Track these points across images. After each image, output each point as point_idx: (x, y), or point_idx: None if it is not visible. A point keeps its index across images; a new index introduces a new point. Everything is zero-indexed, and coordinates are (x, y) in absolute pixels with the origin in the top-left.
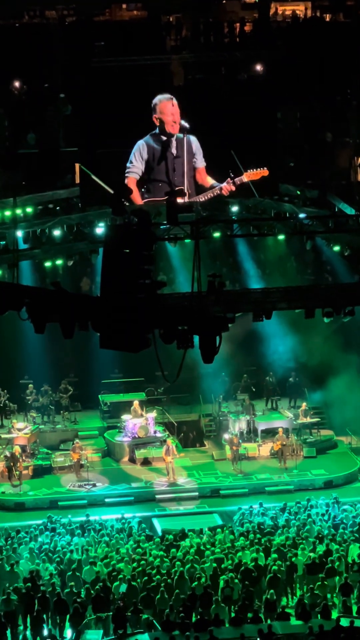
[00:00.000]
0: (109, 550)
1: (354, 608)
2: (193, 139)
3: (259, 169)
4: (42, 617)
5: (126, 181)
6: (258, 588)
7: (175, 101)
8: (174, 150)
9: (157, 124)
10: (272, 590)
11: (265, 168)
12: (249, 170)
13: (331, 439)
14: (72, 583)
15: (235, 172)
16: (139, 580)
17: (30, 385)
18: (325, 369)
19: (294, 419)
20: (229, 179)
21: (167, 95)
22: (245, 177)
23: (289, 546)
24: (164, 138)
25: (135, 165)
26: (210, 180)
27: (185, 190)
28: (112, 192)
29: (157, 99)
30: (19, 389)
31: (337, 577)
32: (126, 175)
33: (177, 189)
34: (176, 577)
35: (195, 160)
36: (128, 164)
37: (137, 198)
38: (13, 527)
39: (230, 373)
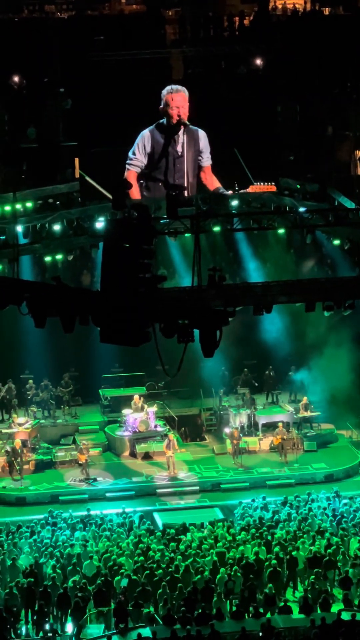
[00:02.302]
0: (110, 544)
1: (356, 601)
2: (201, 135)
3: (266, 184)
4: (43, 612)
5: (126, 174)
6: (259, 582)
7: (185, 93)
8: (178, 148)
9: (164, 116)
10: (270, 585)
11: (273, 184)
12: (255, 184)
13: (332, 433)
14: (74, 578)
15: (238, 171)
16: (140, 574)
17: (30, 380)
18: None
19: (295, 413)
20: (232, 191)
21: (176, 87)
22: (250, 190)
23: (290, 540)
24: (169, 132)
25: (137, 158)
26: (215, 183)
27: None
28: (107, 193)
29: (165, 89)
30: (19, 384)
31: (337, 570)
32: (127, 167)
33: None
34: (181, 571)
35: (200, 158)
36: (130, 155)
37: (135, 194)
38: (14, 521)
39: (231, 367)
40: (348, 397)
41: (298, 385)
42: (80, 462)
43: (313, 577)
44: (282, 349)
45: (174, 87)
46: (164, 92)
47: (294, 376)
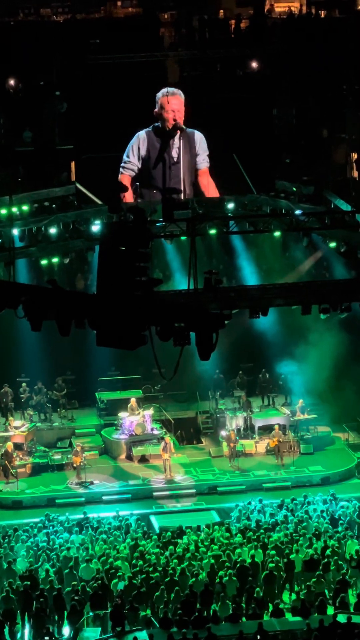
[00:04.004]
0: (106, 547)
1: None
2: (198, 137)
3: None
4: (40, 615)
5: (120, 178)
6: (256, 585)
7: (181, 96)
8: (173, 154)
9: (159, 119)
10: (257, 589)
11: None
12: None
13: (328, 435)
14: (71, 581)
15: (237, 177)
16: (136, 577)
17: (24, 384)
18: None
19: (291, 416)
20: None
21: (172, 90)
22: None
23: (286, 543)
24: (165, 136)
25: (131, 162)
26: (212, 191)
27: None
28: (98, 201)
29: (160, 92)
30: (15, 387)
31: (332, 573)
32: (121, 171)
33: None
34: (177, 574)
35: (197, 161)
36: (124, 157)
37: (129, 199)
38: (10, 525)
39: (225, 370)
40: (330, 390)
41: (283, 380)
42: (74, 465)
43: (314, 579)
44: (276, 350)
45: (170, 89)
46: (159, 94)
47: (279, 370)
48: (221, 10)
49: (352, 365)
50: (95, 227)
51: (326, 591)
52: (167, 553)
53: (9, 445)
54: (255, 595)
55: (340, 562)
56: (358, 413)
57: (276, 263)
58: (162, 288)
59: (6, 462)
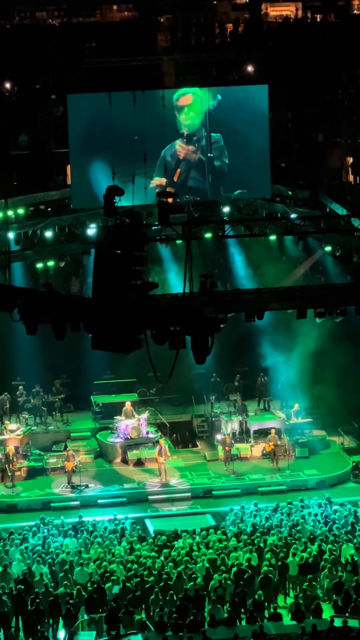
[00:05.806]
0: (101, 551)
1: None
2: None
3: None
4: (34, 619)
5: None
6: (251, 588)
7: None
8: None
9: None
10: (260, 592)
11: None
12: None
13: (324, 439)
14: (65, 584)
15: None
16: (131, 581)
17: (21, 387)
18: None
19: (286, 420)
20: None
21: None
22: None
23: (281, 547)
24: None
25: None
26: None
27: None
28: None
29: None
30: (11, 391)
31: (329, 577)
32: None
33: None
34: (173, 578)
35: None
36: None
37: None
38: (5, 528)
39: (222, 373)
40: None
41: (281, 384)
42: (66, 469)
43: (306, 583)
44: (269, 350)
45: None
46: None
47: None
48: (217, 14)
49: (333, 352)
50: (91, 230)
51: (321, 595)
52: (162, 557)
53: (10, 449)
54: (255, 598)
55: (335, 566)
56: (342, 407)
57: (271, 267)
58: (158, 292)
59: (6, 465)
